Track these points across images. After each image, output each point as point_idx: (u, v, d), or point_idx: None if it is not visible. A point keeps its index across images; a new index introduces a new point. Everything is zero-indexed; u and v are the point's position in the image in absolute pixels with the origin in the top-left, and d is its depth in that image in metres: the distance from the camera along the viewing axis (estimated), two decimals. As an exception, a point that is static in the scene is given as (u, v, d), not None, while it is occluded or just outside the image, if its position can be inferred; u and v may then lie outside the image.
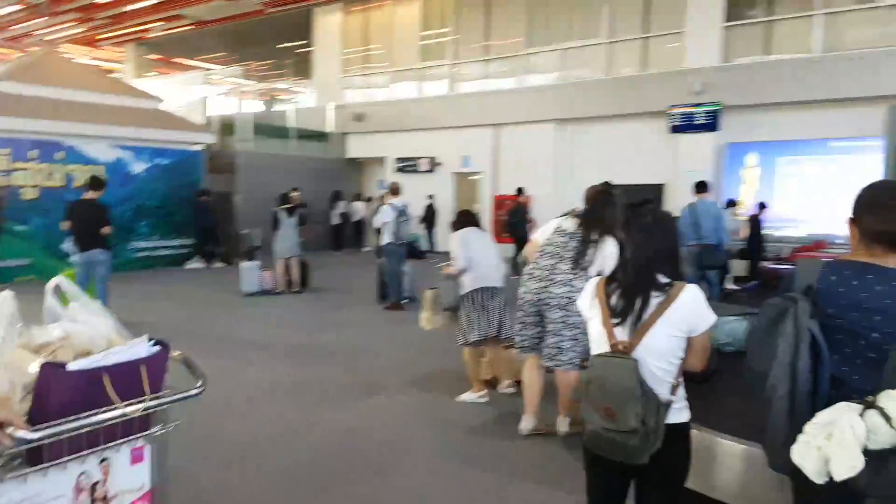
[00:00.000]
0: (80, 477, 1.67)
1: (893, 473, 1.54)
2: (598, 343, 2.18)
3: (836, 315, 1.80)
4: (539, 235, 4.26)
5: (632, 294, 2.11)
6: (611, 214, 4.04)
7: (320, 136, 18.49)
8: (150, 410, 1.73)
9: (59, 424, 1.53)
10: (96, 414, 1.60)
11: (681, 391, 2.14)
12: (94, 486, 1.71)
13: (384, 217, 8.97)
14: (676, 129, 12.80)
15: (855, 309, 1.78)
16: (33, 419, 1.54)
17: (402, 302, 8.93)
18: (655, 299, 2.09)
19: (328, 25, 19.09)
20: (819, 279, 1.85)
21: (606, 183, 7.16)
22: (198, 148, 14.36)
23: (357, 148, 18.62)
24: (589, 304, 2.26)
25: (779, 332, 1.80)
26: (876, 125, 10.96)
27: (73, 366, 1.58)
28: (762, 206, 10.55)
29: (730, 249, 8.53)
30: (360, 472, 3.89)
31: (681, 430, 2.13)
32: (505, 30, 15.89)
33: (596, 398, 2.07)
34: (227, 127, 16.35)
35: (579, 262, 3.98)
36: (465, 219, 5.38)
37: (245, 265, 10.15)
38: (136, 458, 1.80)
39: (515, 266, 11.79)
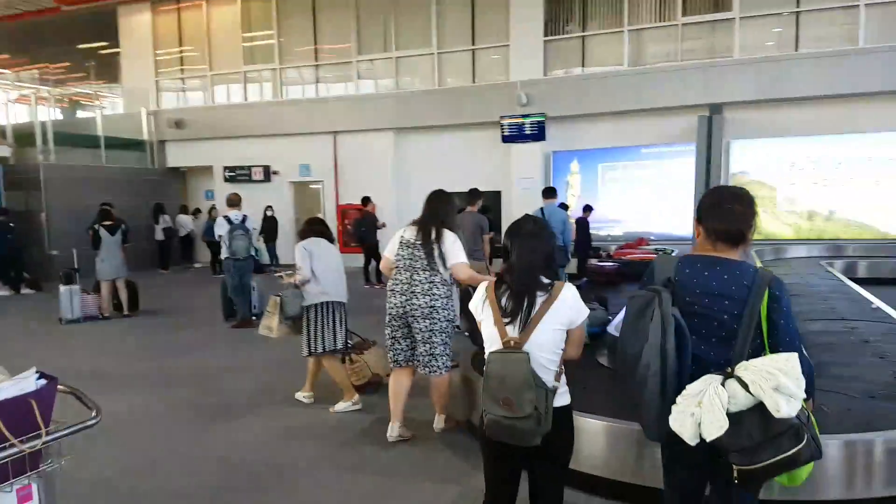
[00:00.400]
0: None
1: (747, 429, 1.88)
2: (492, 341, 2.37)
3: (693, 302, 2.12)
4: (388, 251, 4.32)
5: (520, 295, 2.33)
6: (444, 211, 4.23)
7: (136, 145, 17.04)
8: (46, 445, 1.64)
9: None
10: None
11: (563, 378, 2.38)
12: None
13: (219, 230, 8.58)
14: (507, 139, 13.50)
15: (707, 296, 2.11)
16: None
17: (252, 318, 8.50)
18: (540, 298, 2.32)
19: (135, 25, 17.53)
20: (676, 272, 2.18)
21: (475, 189, 7.43)
22: (-10, 162, 12.60)
23: (178, 156, 17.41)
24: (481, 306, 2.44)
25: (646, 319, 2.06)
26: (679, 133, 12.56)
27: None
28: (587, 208, 11.50)
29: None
30: (249, 494, 3.72)
31: (565, 412, 2.38)
32: (334, 35, 15.65)
33: (495, 391, 2.24)
34: (23, 137, 14.50)
35: (432, 267, 4.10)
36: (314, 228, 5.31)
37: (64, 290, 9.07)
38: (25, 497, 1.67)
39: (367, 276, 11.76)
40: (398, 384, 4.35)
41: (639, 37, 13.25)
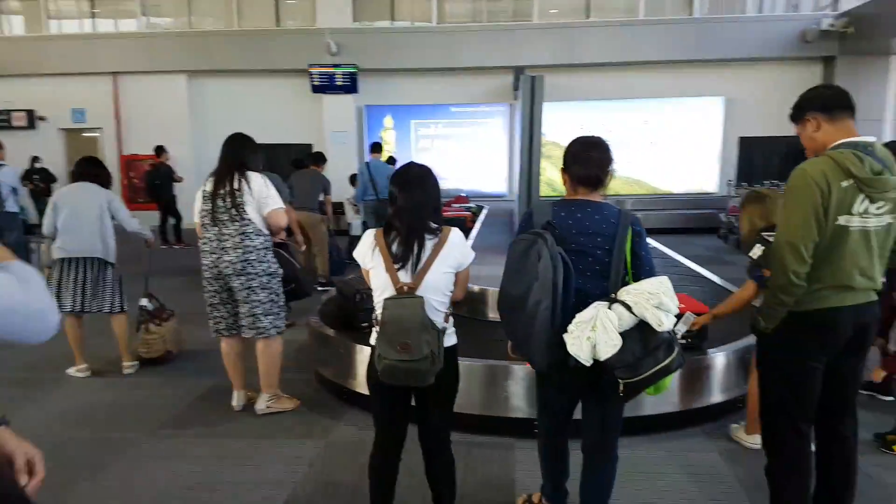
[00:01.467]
0: None
1: (630, 346, 2.13)
2: (384, 288, 2.36)
3: (570, 241, 2.29)
4: (195, 213, 3.83)
5: (410, 240, 2.33)
6: (244, 154, 3.80)
7: None
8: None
9: None
10: None
11: (451, 319, 2.45)
12: None
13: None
14: (317, 89, 12.98)
15: (583, 235, 2.30)
16: None
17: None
18: (430, 242, 2.35)
19: None
20: (553, 216, 2.33)
21: (320, 152, 7.56)
22: None
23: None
24: (370, 254, 2.40)
25: (532, 260, 2.19)
26: (486, 94, 13.05)
27: None
28: (391, 160, 11.48)
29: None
30: (97, 464, 3.35)
31: (452, 351, 2.45)
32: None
33: (393, 336, 2.26)
34: None
35: (241, 217, 3.67)
36: (82, 169, 4.70)
37: None
38: None
39: (164, 235, 10.70)
40: (229, 352, 3.97)
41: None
